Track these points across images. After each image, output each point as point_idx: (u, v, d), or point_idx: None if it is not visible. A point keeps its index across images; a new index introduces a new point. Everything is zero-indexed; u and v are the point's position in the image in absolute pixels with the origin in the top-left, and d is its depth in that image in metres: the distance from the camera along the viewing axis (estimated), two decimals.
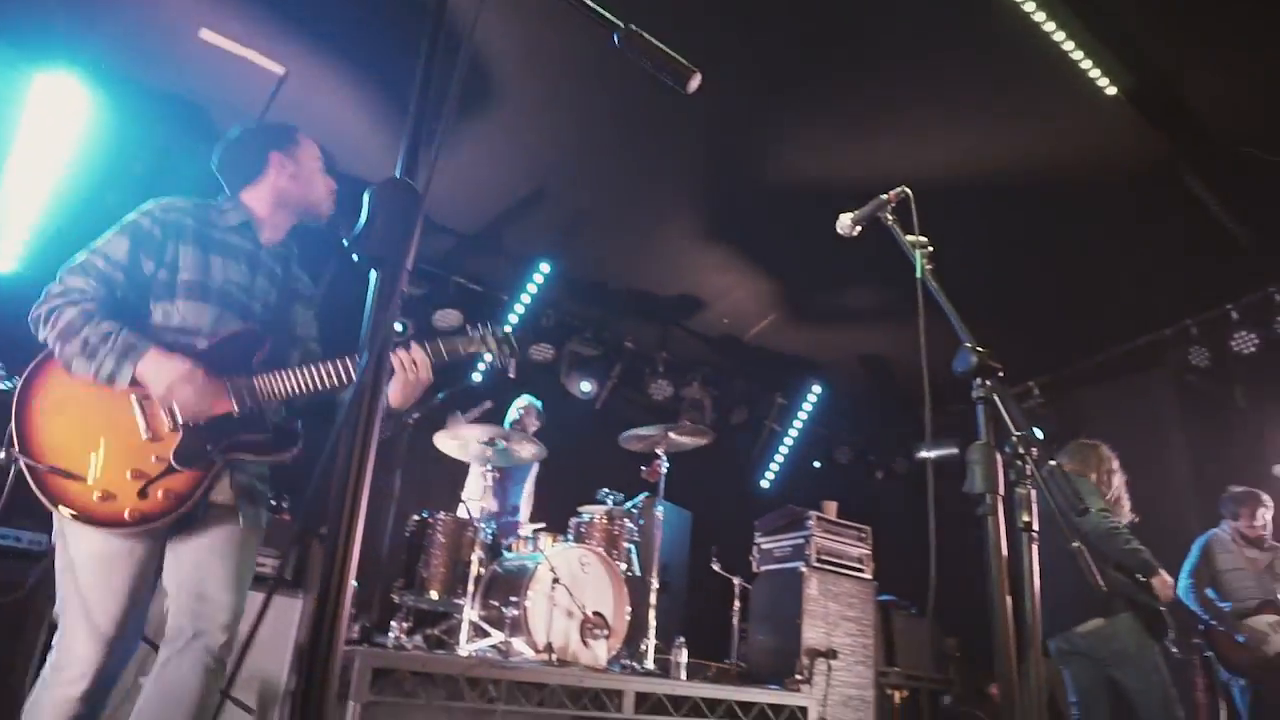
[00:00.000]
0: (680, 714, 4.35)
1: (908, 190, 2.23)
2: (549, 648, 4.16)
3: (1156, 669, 3.77)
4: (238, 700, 2.91)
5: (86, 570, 2.07)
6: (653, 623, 4.82)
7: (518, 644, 4.34)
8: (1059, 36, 4.07)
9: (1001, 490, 1.85)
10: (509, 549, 4.93)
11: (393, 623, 4.15)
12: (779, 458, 8.38)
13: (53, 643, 2.08)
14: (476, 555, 4.49)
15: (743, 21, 4.18)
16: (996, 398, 1.87)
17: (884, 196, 2.25)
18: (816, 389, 8.15)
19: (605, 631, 4.48)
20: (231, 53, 4.42)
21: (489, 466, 4.87)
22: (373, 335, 0.86)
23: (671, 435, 5.17)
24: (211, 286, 2.32)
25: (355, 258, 0.92)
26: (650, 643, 4.74)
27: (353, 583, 0.81)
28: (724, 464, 7.56)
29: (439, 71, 1.06)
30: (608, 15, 1.37)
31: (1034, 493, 1.92)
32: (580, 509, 5.20)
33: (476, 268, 6.40)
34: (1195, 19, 3.98)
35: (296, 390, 2.29)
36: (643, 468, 5.17)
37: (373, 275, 0.93)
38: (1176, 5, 3.94)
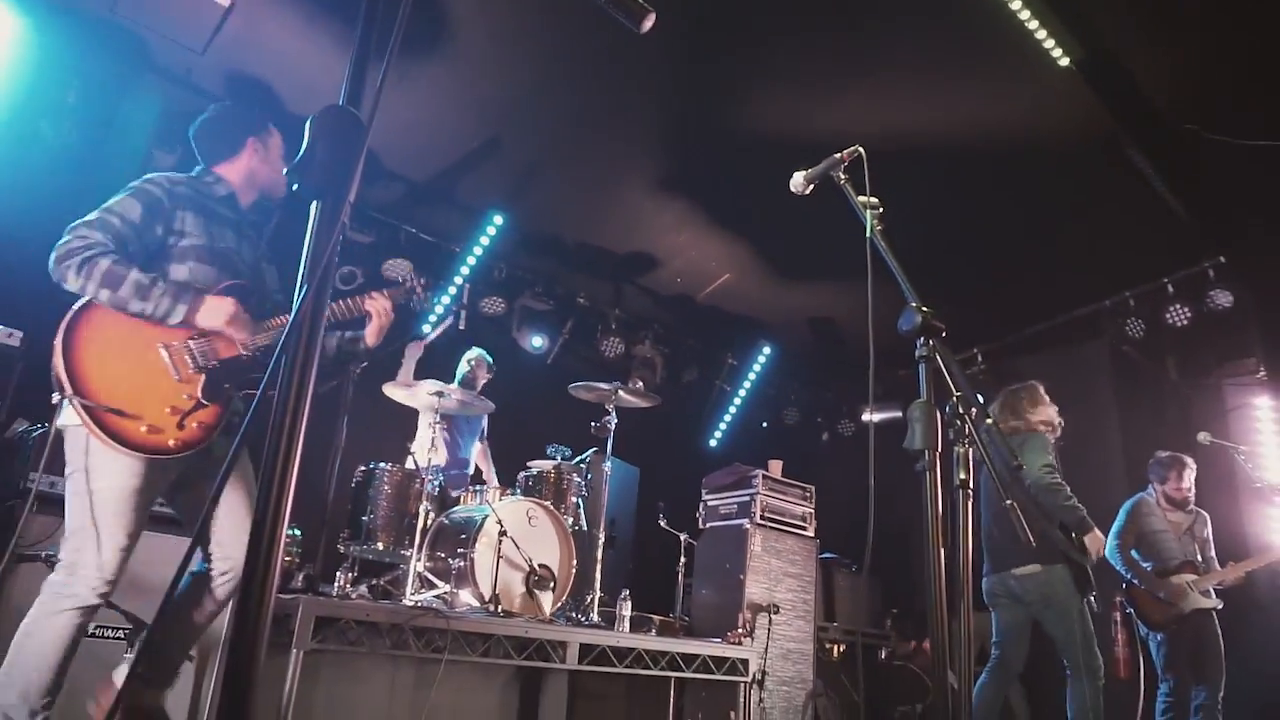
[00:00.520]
0: (624, 665, 4.42)
1: (861, 150, 2.24)
2: (494, 599, 4.19)
3: (1080, 619, 4.00)
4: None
5: (113, 497, 2.40)
6: (599, 577, 4.87)
7: (464, 595, 4.35)
8: (1016, 4, 4.10)
9: (940, 448, 1.89)
10: (457, 501, 4.93)
11: (338, 573, 4.13)
12: (728, 417, 8.47)
13: (58, 567, 2.39)
14: (424, 507, 4.47)
15: None
16: (939, 357, 1.91)
17: (837, 155, 2.26)
18: (766, 350, 8.23)
19: (551, 584, 4.52)
20: None
21: (437, 418, 4.85)
22: (313, 267, 0.84)
23: (621, 393, 5.19)
24: (216, 250, 2.73)
25: (295, 188, 0.89)
26: (595, 596, 4.80)
27: (294, 530, 0.81)
28: (673, 422, 7.62)
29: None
30: None
31: (972, 451, 1.97)
32: (529, 463, 5.21)
33: (427, 217, 6.28)
34: None
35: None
36: (592, 424, 5.19)
37: (313, 207, 0.91)
38: None
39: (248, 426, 0.90)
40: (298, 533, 4.44)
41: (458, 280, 6.42)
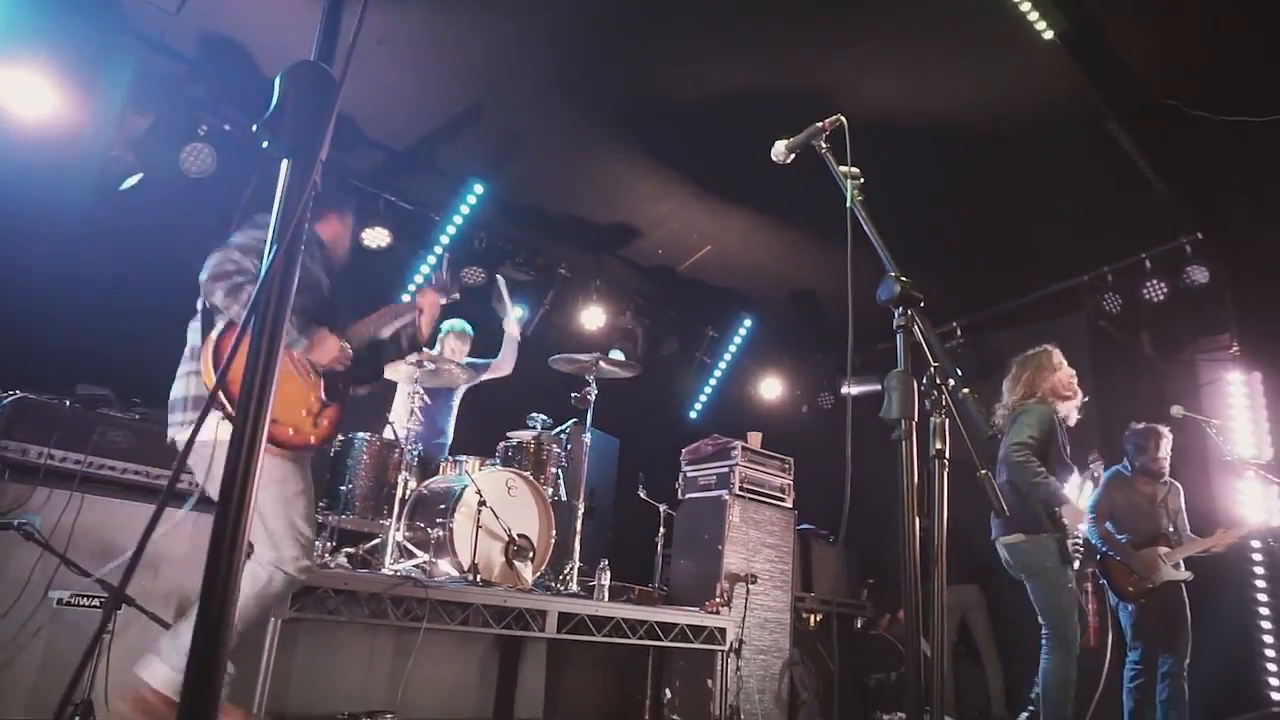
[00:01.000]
0: (602, 634, 4.46)
1: (843, 119, 2.23)
2: (473, 569, 4.20)
3: (1064, 588, 4.05)
4: (150, 613, 2.87)
5: (271, 492, 2.77)
6: (578, 547, 4.90)
7: (443, 565, 4.36)
8: None
9: (917, 418, 1.91)
10: (436, 471, 4.92)
11: (316, 542, 4.12)
12: (708, 389, 8.49)
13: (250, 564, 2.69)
14: (402, 477, 4.47)
15: None
16: (916, 327, 1.92)
17: (819, 124, 2.25)
18: (747, 322, 8.24)
19: (530, 554, 4.54)
20: None
21: (416, 388, 4.82)
22: (283, 227, 0.82)
23: (602, 364, 5.19)
24: (310, 280, 3.13)
25: (265, 145, 0.87)
26: (574, 566, 4.82)
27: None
28: (654, 394, 7.62)
29: None
30: None
31: (948, 422, 1.99)
32: (509, 434, 5.21)
33: (408, 185, 6.20)
34: None
35: (367, 338, 3.29)
36: (573, 394, 5.19)
37: (284, 165, 0.88)
38: None
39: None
40: None
41: (437, 249, 6.36)
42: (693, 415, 8.45)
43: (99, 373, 3.78)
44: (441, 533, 4.35)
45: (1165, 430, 4.99)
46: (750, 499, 5.49)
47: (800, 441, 6.66)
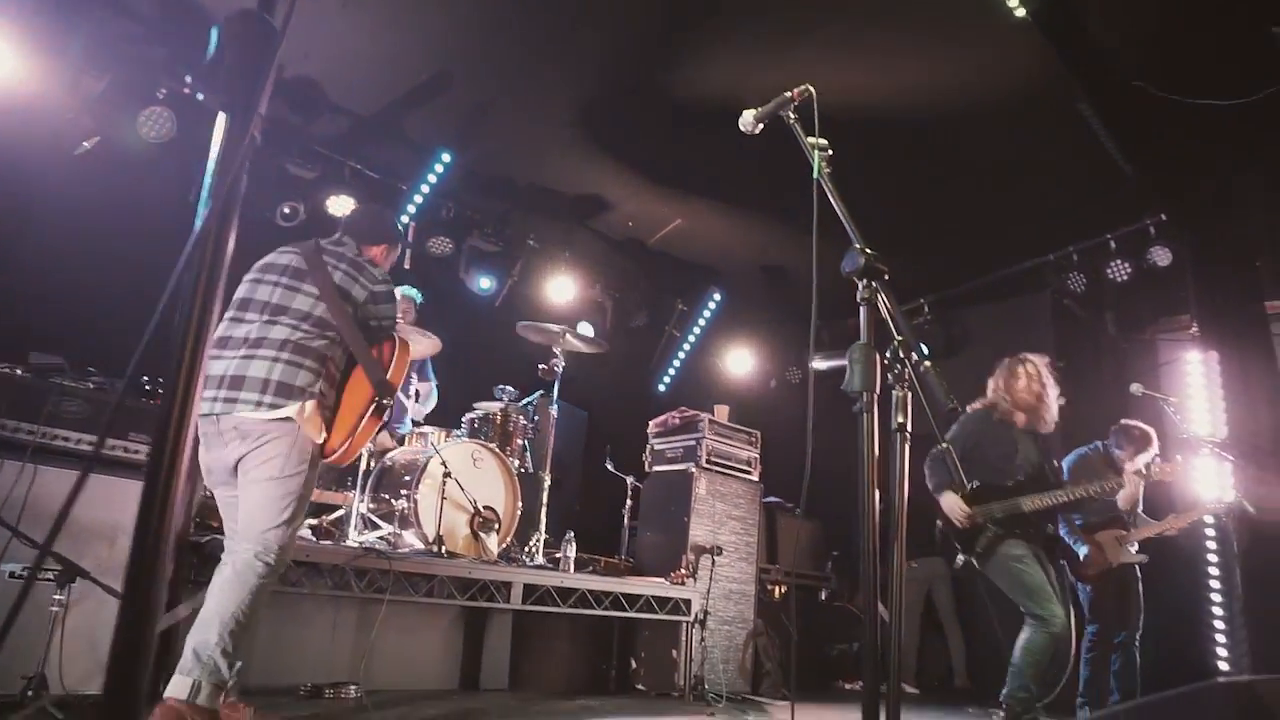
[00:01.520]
0: (568, 605, 4.47)
1: (811, 89, 2.20)
2: (439, 540, 4.18)
3: (1016, 568, 4.04)
4: (104, 584, 2.82)
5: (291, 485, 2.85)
6: (544, 519, 4.89)
7: (407, 536, 4.34)
8: None
9: (879, 390, 1.91)
10: (401, 442, 4.88)
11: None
12: (677, 362, 8.49)
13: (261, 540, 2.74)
14: (366, 448, 4.42)
15: None
16: (880, 300, 1.91)
17: (788, 94, 2.22)
18: (716, 296, 8.23)
19: (495, 526, 4.52)
20: None
21: None
22: (218, 182, 0.79)
23: (570, 336, 5.15)
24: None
25: (200, 97, 0.83)
26: (540, 538, 4.82)
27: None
28: (622, 366, 7.61)
29: None
30: None
31: (910, 395, 1.99)
32: (475, 405, 5.17)
33: (374, 153, 6.09)
34: None
35: None
36: (540, 366, 5.15)
37: (220, 118, 0.85)
38: None
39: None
40: None
41: (404, 219, 6.26)
42: (661, 388, 8.45)
43: (52, 341, 3.67)
44: (406, 505, 4.32)
45: (1155, 445, 4.92)
46: (717, 472, 5.51)
47: (768, 415, 6.69)
